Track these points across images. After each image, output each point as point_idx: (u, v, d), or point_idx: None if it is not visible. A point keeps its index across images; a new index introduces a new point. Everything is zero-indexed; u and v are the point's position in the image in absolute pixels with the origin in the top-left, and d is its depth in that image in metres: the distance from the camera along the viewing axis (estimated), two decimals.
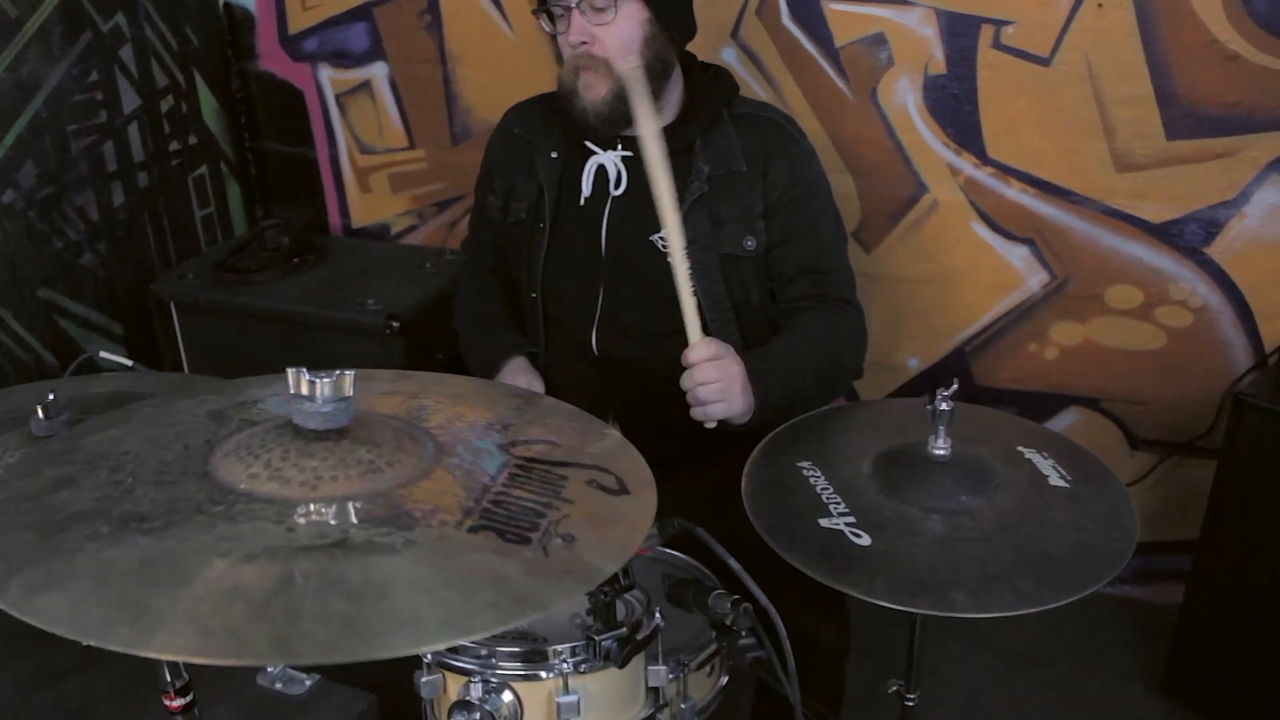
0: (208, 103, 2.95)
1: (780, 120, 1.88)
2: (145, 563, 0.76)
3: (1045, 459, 1.41)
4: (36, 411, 1.33)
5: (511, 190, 1.98)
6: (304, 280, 2.63)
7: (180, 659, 0.70)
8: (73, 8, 2.54)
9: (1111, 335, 2.42)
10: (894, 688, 1.52)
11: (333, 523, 0.82)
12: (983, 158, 2.37)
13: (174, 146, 2.87)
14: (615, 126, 1.81)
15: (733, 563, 1.17)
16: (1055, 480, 1.38)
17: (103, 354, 1.69)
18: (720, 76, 1.90)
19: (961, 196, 2.42)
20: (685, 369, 1.63)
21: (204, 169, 2.97)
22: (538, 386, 1.90)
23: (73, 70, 2.57)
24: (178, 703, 1.01)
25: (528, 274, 1.96)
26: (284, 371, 0.93)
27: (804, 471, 1.40)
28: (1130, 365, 2.42)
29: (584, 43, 1.75)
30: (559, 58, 1.85)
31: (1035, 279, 2.44)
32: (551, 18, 1.79)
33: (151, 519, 0.81)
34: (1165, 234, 2.29)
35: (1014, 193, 2.38)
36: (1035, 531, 1.28)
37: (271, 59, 2.94)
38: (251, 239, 2.76)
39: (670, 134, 1.81)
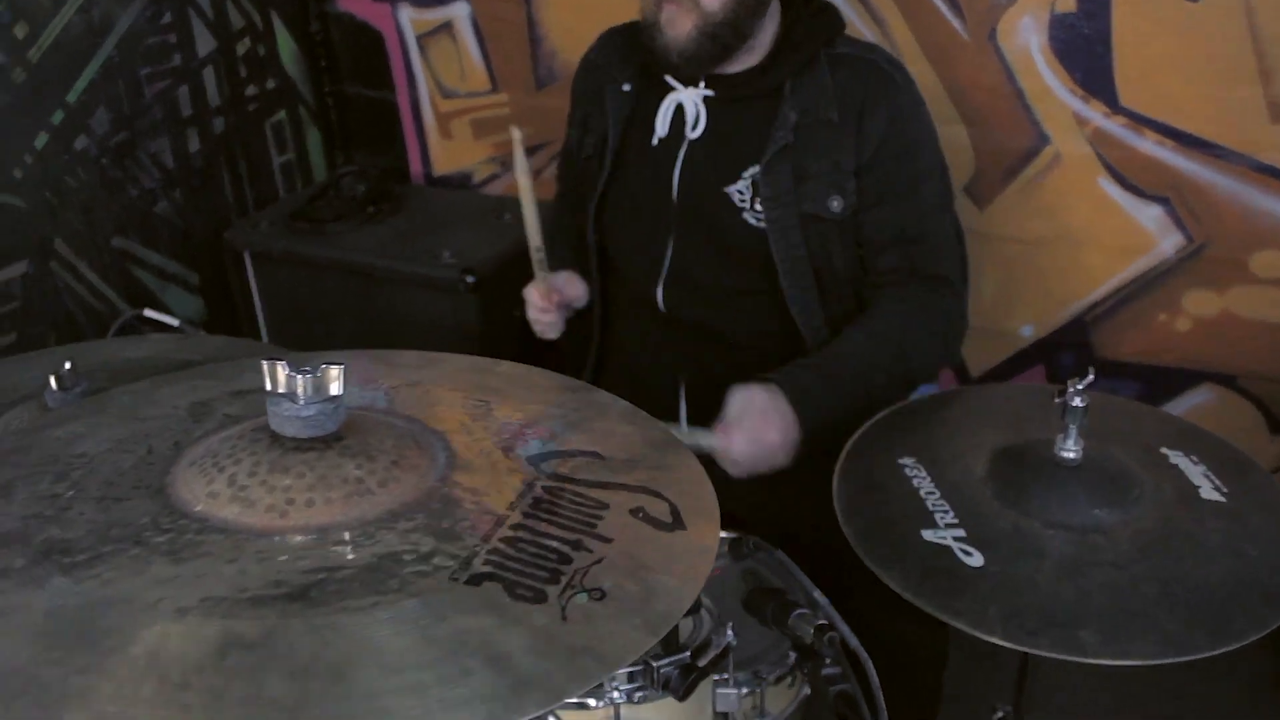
0: (286, 45, 2.80)
1: (884, 64, 1.63)
2: (51, 615, 0.59)
3: (1195, 464, 1.17)
4: (50, 381, 1.18)
5: (586, 123, 1.79)
6: (379, 231, 2.48)
7: None
8: None
9: (1254, 307, 2.12)
10: (999, 715, 1.29)
11: (296, 565, 0.63)
12: (1114, 106, 2.08)
13: (250, 91, 2.73)
14: (700, 66, 1.60)
15: (818, 595, 0.97)
16: (1208, 492, 1.14)
17: (147, 312, 1.54)
18: (824, 11, 1.66)
19: (1088, 149, 2.14)
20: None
21: (282, 114, 2.83)
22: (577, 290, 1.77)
23: (145, 12, 2.43)
24: None
25: (584, 214, 1.77)
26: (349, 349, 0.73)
27: (906, 470, 1.18)
28: (1274, 340, 2.12)
29: None
30: None
31: (1169, 242, 2.15)
32: None
33: (78, 550, 0.64)
34: None
35: (1149, 145, 2.09)
36: (1185, 557, 1.04)
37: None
38: (328, 187, 2.62)
39: (758, 74, 1.60)
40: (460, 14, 2.65)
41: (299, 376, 0.71)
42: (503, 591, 0.64)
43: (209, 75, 2.61)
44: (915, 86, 1.65)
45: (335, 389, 0.73)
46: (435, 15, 2.68)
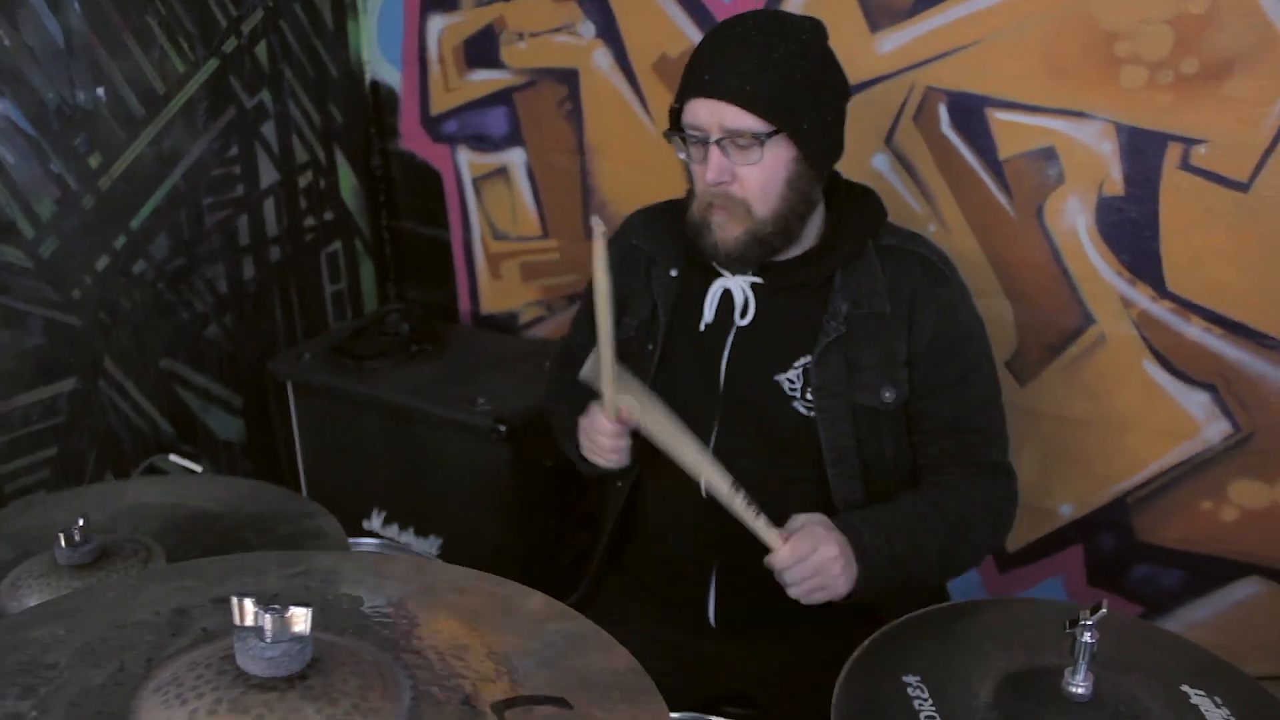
0: (346, 180, 2.92)
1: (932, 256, 1.66)
2: None
3: (1218, 707, 1.13)
4: (59, 539, 1.22)
5: (624, 304, 1.81)
6: (418, 371, 2.53)
7: None
8: (219, 84, 2.54)
9: None
10: None
11: None
12: (1161, 290, 2.08)
13: (309, 222, 2.84)
14: (747, 266, 1.63)
15: None
16: None
17: (172, 457, 1.59)
18: (867, 196, 1.69)
19: (1134, 331, 2.13)
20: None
21: (338, 244, 2.93)
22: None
23: (213, 145, 2.56)
24: None
25: None
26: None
27: (910, 689, 1.15)
28: None
29: (722, 182, 1.57)
30: (688, 175, 1.68)
31: (1215, 429, 2.11)
32: (685, 141, 1.61)
33: None
34: None
35: (1196, 331, 2.07)
36: None
37: (412, 138, 2.89)
38: (372, 322, 2.69)
39: (809, 263, 1.63)
40: (517, 160, 2.74)
41: (266, 614, 0.73)
42: None
43: (269, 206, 2.73)
44: (960, 276, 1.67)
45: (302, 628, 0.74)
46: (492, 160, 2.78)
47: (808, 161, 1.58)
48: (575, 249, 2.74)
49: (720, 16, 2.30)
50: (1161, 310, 2.09)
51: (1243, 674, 1.23)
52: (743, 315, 1.68)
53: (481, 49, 2.67)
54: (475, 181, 2.83)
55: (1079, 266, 2.14)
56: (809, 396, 1.62)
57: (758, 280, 1.67)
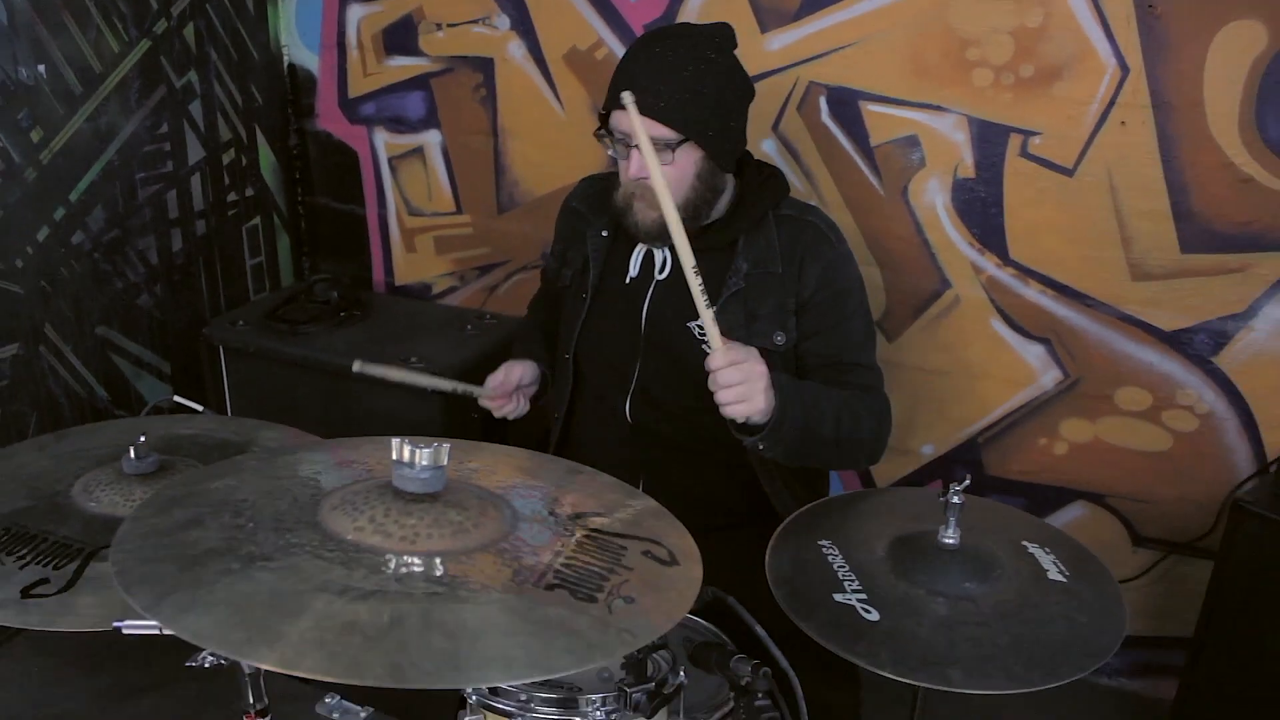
0: (266, 157, 3.17)
1: (821, 225, 2.05)
2: (274, 595, 0.93)
3: (1047, 554, 1.57)
4: (129, 451, 1.51)
5: (564, 256, 2.18)
6: (349, 334, 2.82)
7: (316, 677, 0.85)
8: (151, 64, 2.76)
9: (1119, 435, 2.57)
10: None
11: (433, 574, 0.98)
12: (1004, 259, 2.55)
13: (232, 197, 3.08)
14: (662, 242, 2.00)
15: (759, 629, 1.32)
16: (1054, 574, 1.54)
17: (176, 398, 1.86)
18: (772, 178, 2.08)
19: (983, 294, 2.60)
20: (709, 374, 1.77)
21: (258, 220, 3.18)
22: (520, 374, 2.15)
23: (145, 122, 2.78)
24: None
25: (565, 335, 2.15)
26: (388, 439, 1.09)
27: (824, 550, 1.56)
28: (1136, 465, 2.57)
29: (641, 177, 1.92)
30: (614, 162, 2.03)
31: (1049, 376, 2.61)
32: (613, 142, 1.97)
33: (274, 559, 0.97)
34: (1176, 341, 2.46)
35: (1033, 293, 2.55)
36: (1031, 620, 1.44)
37: (329, 119, 3.16)
38: (300, 291, 2.96)
39: (717, 230, 2.01)
40: (432, 141, 3.05)
41: (417, 450, 1.07)
42: (569, 595, 1.00)
43: (195, 182, 2.96)
44: (846, 244, 2.07)
45: (443, 460, 1.08)
46: (408, 140, 3.08)
47: (712, 159, 1.97)
48: (487, 224, 3.07)
49: (626, 16, 2.69)
50: (1005, 276, 2.57)
51: (1062, 532, 1.68)
52: (661, 272, 2.06)
53: (400, 37, 2.97)
54: (391, 160, 3.12)
55: (937, 238, 2.60)
56: None
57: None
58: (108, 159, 2.71)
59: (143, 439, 1.52)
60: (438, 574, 0.99)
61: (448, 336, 2.81)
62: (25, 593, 1.31)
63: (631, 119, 1.76)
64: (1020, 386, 2.64)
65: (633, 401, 2.07)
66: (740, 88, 2.01)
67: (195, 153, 2.94)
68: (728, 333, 1.94)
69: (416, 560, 1.00)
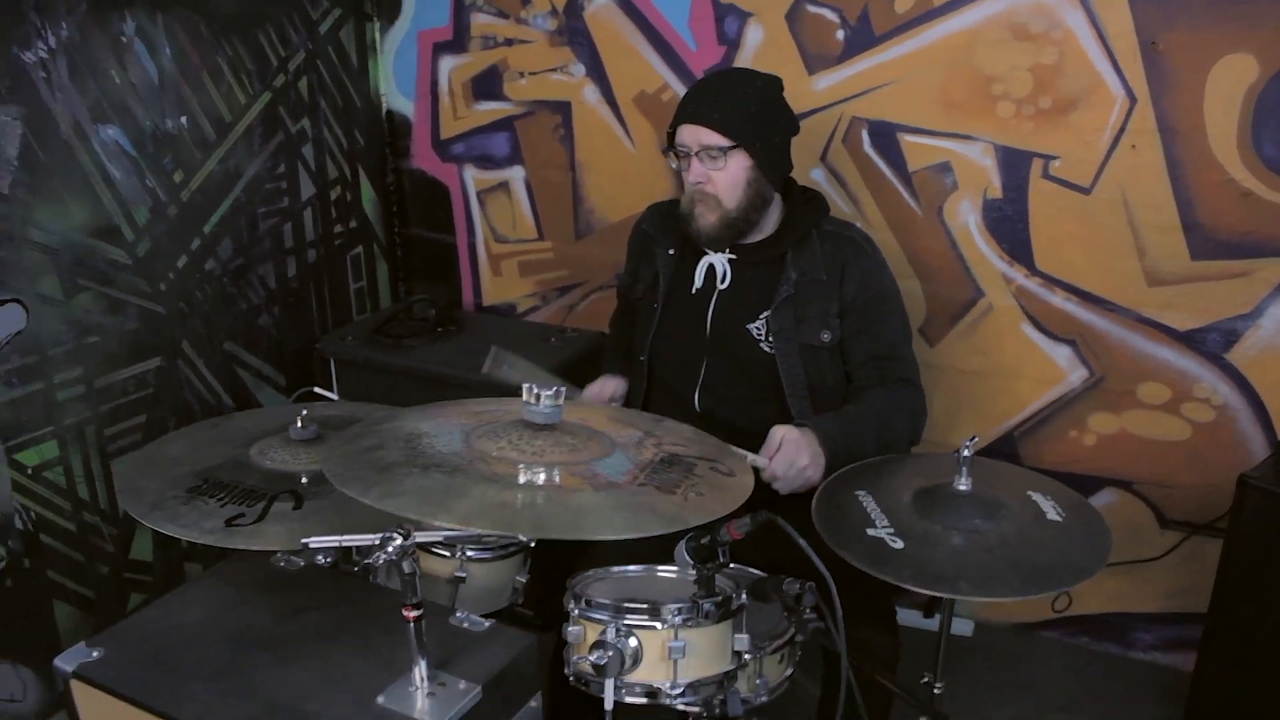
0: (367, 193, 3.64)
1: (858, 238, 2.46)
2: (447, 486, 1.33)
3: (1047, 500, 1.93)
4: (296, 422, 1.94)
5: (637, 273, 2.60)
6: (447, 347, 3.25)
7: (483, 531, 1.26)
8: (271, 113, 3.24)
9: (1143, 426, 2.91)
10: (924, 679, 2.02)
11: (554, 480, 1.39)
12: (1032, 269, 2.91)
13: (338, 229, 3.55)
14: (722, 245, 2.41)
15: (802, 543, 1.68)
16: (1052, 515, 1.90)
17: (316, 389, 2.29)
18: (814, 200, 2.49)
19: (1013, 302, 2.96)
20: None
21: (360, 249, 3.64)
22: (614, 390, 2.60)
23: (266, 164, 3.26)
24: (413, 614, 1.57)
25: (640, 341, 2.56)
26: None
27: (859, 498, 1.94)
28: (1160, 453, 2.90)
29: (699, 182, 2.35)
30: (679, 180, 2.45)
31: (1076, 375, 2.95)
32: (678, 157, 2.39)
33: (443, 467, 1.38)
34: (1190, 340, 2.79)
35: (1058, 300, 2.91)
36: (1028, 548, 1.80)
37: (423, 158, 3.62)
38: (400, 311, 3.40)
39: (768, 245, 2.42)
40: (516, 176, 3.50)
41: (541, 392, 1.48)
42: (656, 490, 1.40)
43: (308, 215, 3.43)
44: (880, 253, 2.47)
45: (560, 401, 1.49)
46: (495, 175, 3.53)
47: (760, 170, 2.37)
48: (566, 249, 3.50)
49: (688, 62, 3.11)
50: (1033, 285, 2.93)
51: (1065, 487, 2.04)
52: (722, 282, 2.46)
53: (487, 84, 3.42)
54: (479, 194, 3.57)
55: (970, 253, 2.97)
56: (770, 339, 2.40)
57: (733, 257, 2.45)
58: (235, 196, 3.17)
59: (305, 412, 1.95)
60: (557, 479, 1.40)
61: (534, 348, 3.22)
62: (228, 523, 1.74)
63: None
64: (1050, 385, 2.99)
65: (700, 394, 2.46)
66: (784, 114, 2.43)
67: (307, 190, 3.41)
68: (781, 333, 2.34)
69: (541, 470, 1.41)
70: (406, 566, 1.55)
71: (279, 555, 1.99)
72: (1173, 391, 2.85)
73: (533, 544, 2.30)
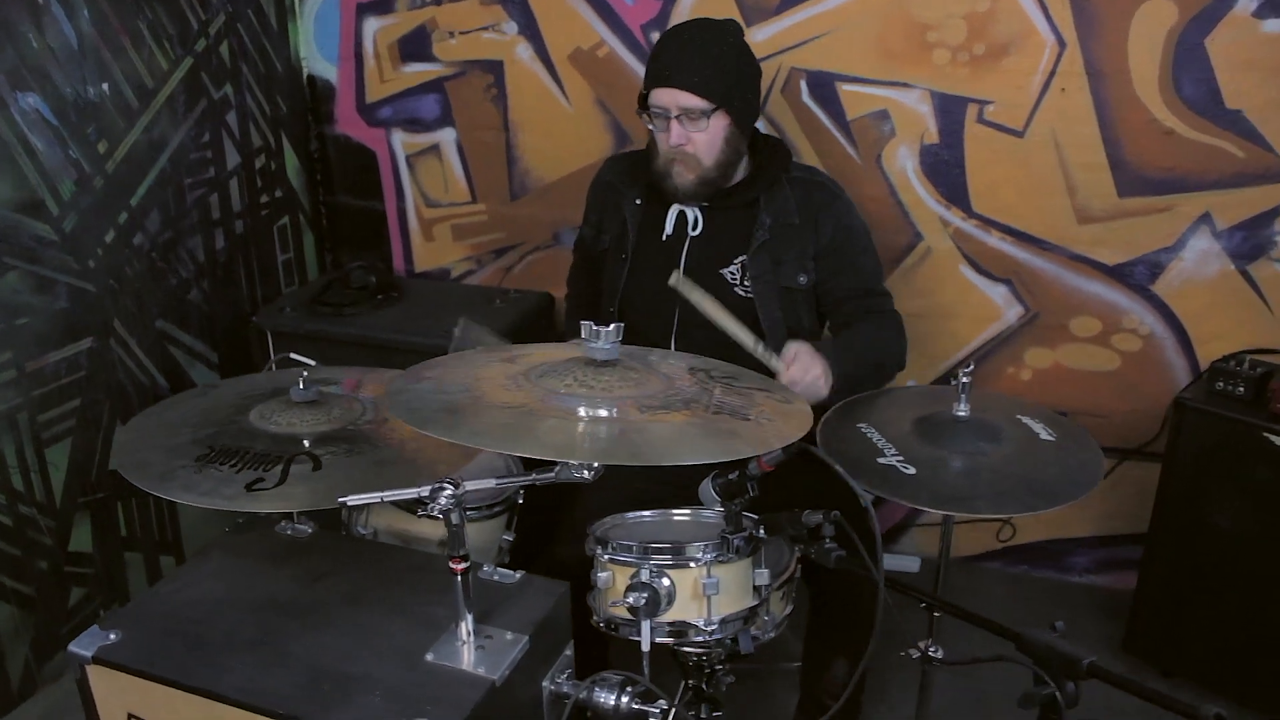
0: (291, 161, 3.53)
1: (826, 182, 2.51)
2: (521, 422, 1.33)
3: (1037, 422, 2.02)
4: (298, 384, 1.89)
5: (601, 225, 2.59)
6: (391, 313, 3.19)
7: (575, 461, 1.27)
8: (194, 79, 3.11)
9: (1076, 359, 3.05)
10: (923, 604, 2.08)
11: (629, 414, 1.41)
12: (968, 212, 3.01)
13: (264, 199, 3.43)
14: (699, 199, 2.42)
15: (837, 466, 1.72)
16: (1044, 436, 1.98)
17: (292, 355, 2.23)
18: (777, 146, 2.52)
19: (951, 244, 3.05)
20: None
21: (286, 219, 3.53)
22: None
23: (191, 132, 3.13)
24: (461, 566, 1.56)
25: (609, 292, 2.56)
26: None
27: (863, 430, 1.99)
28: (1092, 383, 3.05)
29: (680, 144, 2.35)
30: (652, 138, 2.44)
31: (1012, 312, 3.07)
32: (652, 118, 2.39)
33: (513, 407, 1.37)
34: (1119, 274, 2.93)
35: (994, 241, 3.02)
36: (1032, 466, 1.88)
37: (348, 124, 3.53)
38: (336, 279, 3.32)
39: (741, 190, 2.43)
40: (447, 138, 3.44)
41: (600, 329, 1.48)
42: (730, 417, 1.42)
43: (234, 186, 3.31)
44: (847, 194, 2.52)
45: (618, 337, 1.50)
46: (424, 139, 3.46)
47: (737, 126, 2.39)
48: (501, 211, 3.46)
49: (624, 18, 3.11)
50: (970, 227, 3.03)
51: (1049, 410, 2.13)
52: (694, 229, 2.48)
53: (414, 46, 3.35)
54: (409, 158, 3.50)
55: (909, 198, 3.05)
56: (745, 283, 2.43)
57: (705, 204, 2.47)
58: (161, 167, 3.04)
59: (305, 374, 1.90)
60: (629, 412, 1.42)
61: (481, 310, 3.18)
62: (249, 488, 1.68)
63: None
64: (988, 323, 3.10)
65: (676, 340, 2.48)
66: (754, 64, 2.45)
67: (232, 159, 3.29)
68: (759, 277, 2.37)
69: (614, 403, 1.42)
70: (455, 518, 1.53)
71: (284, 524, 1.94)
72: (1103, 324, 3.00)
73: (520, 501, 2.30)
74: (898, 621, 1.69)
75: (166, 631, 1.66)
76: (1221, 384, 2.67)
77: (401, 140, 3.49)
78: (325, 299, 3.21)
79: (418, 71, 3.38)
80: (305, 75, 3.52)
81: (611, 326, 1.51)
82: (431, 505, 1.50)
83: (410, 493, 1.56)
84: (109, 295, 2.93)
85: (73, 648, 1.64)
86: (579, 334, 2.61)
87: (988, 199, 2.99)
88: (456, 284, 3.57)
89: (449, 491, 1.50)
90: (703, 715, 1.94)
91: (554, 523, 2.46)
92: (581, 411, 1.43)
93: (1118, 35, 2.75)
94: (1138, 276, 2.93)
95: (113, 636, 1.65)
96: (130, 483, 1.71)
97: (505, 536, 2.30)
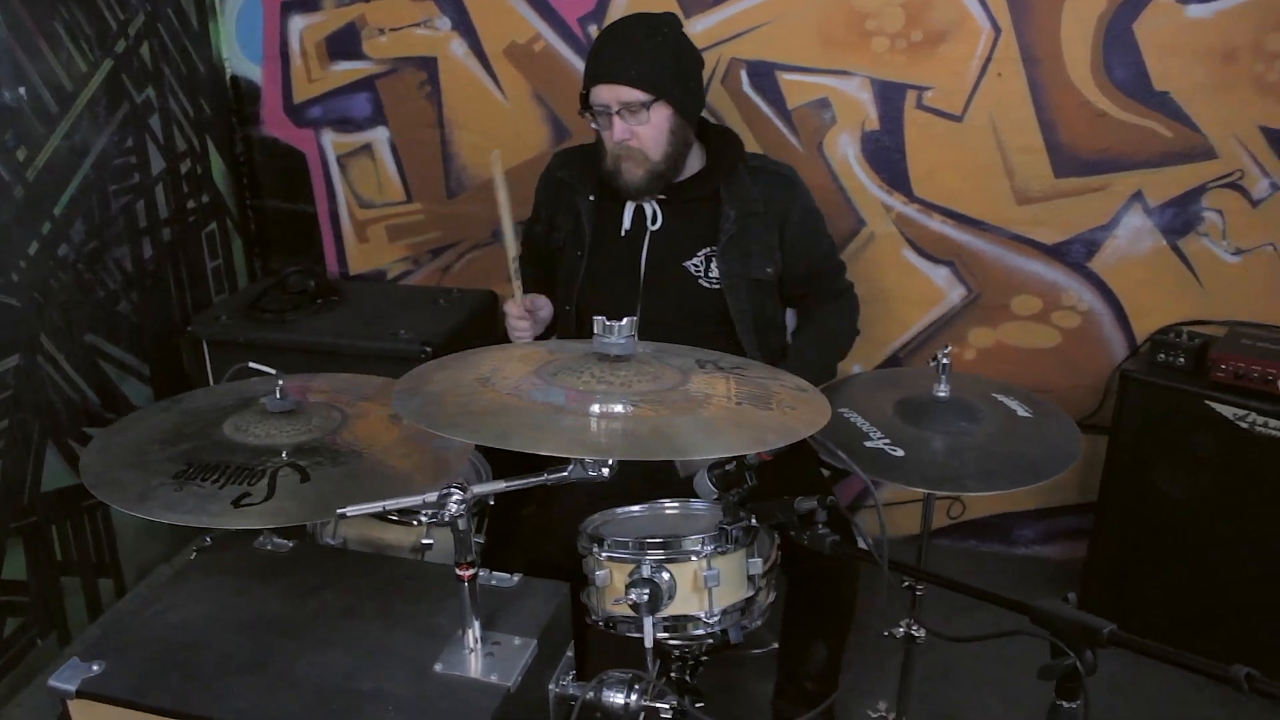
0: (216, 165, 3.41)
1: (784, 170, 2.52)
2: (540, 417, 1.29)
3: (1012, 400, 2.05)
4: (275, 392, 1.82)
5: (552, 221, 2.55)
6: (333, 317, 3.10)
7: (603, 457, 1.24)
8: (115, 82, 2.98)
9: (1017, 337, 3.11)
10: (906, 584, 2.11)
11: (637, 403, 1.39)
12: (910, 196, 3.05)
13: (191, 205, 3.31)
14: (651, 194, 2.40)
15: (840, 452, 1.72)
16: (1022, 413, 2.01)
17: (251, 364, 2.15)
18: (730, 135, 2.52)
19: (893, 229, 3.09)
20: None
21: (214, 225, 3.41)
22: (545, 306, 2.53)
23: (114, 137, 3.00)
24: (468, 573, 1.52)
25: (564, 290, 2.52)
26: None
27: (845, 415, 1.99)
28: (1033, 360, 3.11)
29: (624, 139, 2.33)
30: (599, 136, 2.42)
31: (955, 293, 3.12)
32: (594, 116, 2.36)
33: (527, 398, 1.34)
34: (1057, 253, 3.00)
35: (936, 224, 3.06)
36: (1015, 443, 1.91)
37: (275, 125, 3.42)
38: (272, 285, 3.21)
39: (699, 182, 2.43)
40: (380, 137, 3.36)
41: (613, 324, 1.45)
42: (754, 408, 1.40)
43: (159, 191, 3.18)
44: (804, 182, 2.53)
45: (632, 331, 1.47)
46: (356, 139, 3.38)
47: (681, 116, 2.38)
48: (438, 209, 3.40)
49: (560, 11, 3.07)
50: (912, 211, 3.07)
51: (1022, 388, 2.16)
52: (654, 223, 2.46)
53: (343, 43, 3.26)
54: (340, 159, 3.41)
55: (851, 184, 3.08)
56: (711, 275, 2.42)
57: (662, 197, 2.45)
58: (84, 173, 2.91)
59: (281, 383, 1.84)
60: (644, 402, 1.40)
61: (425, 311, 3.12)
62: (236, 504, 1.62)
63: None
64: (931, 305, 3.15)
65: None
66: (693, 55, 2.44)
67: (157, 164, 3.16)
68: (729, 270, 2.39)
69: (631, 398, 1.40)
70: (462, 524, 1.49)
71: (263, 539, 1.87)
72: (1043, 302, 3.06)
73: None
74: (884, 602, 1.71)
75: (155, 658, 1.59)
76: (1163, 356, 2.75)
77: (332, 140, 3.40)
78: (264, 305, 3.10)
79: (347, 70, 3.29)
80: (229, 76, 3.40)
81: (626, 320, 1.49)
82: (441, 512, 1.46)
83: (415, 500, 1.51)
84: (34, 310, 2.79)
85: (53, 682, 1.55)
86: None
87: (928, 183, 3.03)
88: (397, 285, 3.49)
89: (457, 497, 1.46)
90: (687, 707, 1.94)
91: (523, 523, 2.43)
92: (620, 407, 1.41)
93: (1050, 21, 2.80)
94: (1075, 255, 3.00)
95: (95, 668, 1.56)
96: (65, 505, 1.63)
97: (476, 539, 2.26)
